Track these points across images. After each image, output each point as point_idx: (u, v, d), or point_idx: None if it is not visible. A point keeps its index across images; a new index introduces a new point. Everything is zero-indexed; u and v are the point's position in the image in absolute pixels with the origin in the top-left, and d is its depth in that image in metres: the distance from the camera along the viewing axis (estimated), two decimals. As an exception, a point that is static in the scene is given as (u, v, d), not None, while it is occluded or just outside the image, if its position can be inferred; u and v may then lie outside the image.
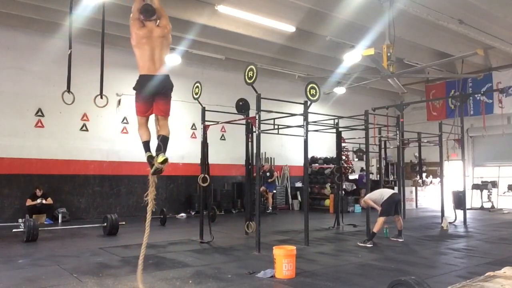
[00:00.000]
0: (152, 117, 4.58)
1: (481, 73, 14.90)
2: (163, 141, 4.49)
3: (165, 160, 4.39)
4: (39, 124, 11.31)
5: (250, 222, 8.62)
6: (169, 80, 4.51)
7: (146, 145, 4.64)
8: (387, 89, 16.44)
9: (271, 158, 15.45)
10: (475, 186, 16.28)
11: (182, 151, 13.66)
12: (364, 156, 11.74)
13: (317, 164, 16.25)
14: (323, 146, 16.02)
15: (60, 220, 10.92)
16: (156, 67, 4.42)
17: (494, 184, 16.13)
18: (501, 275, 4.08)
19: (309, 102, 7.92)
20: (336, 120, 10.56)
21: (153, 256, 6.68)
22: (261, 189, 13.36)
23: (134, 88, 4.41)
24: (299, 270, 5.53)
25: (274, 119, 8.76)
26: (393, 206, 8.24)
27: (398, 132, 11.79)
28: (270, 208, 13.99)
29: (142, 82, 4.37)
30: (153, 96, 4.40)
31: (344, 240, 8.71)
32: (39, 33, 11.08)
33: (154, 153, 4.48)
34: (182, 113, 13.60)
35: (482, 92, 14.15)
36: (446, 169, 12.73)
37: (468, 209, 12.59)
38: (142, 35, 4.39)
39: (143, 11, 4.50)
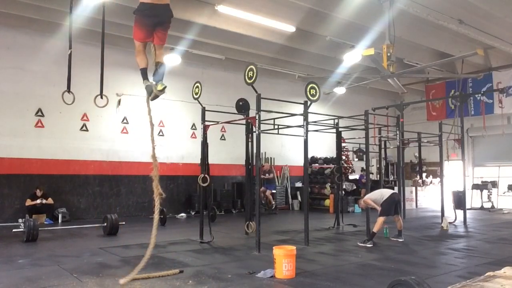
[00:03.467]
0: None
1: (481, 73, 14.88)
2: (162, 68, 4.82)
3: (165, 88, 4.77)
4: (39, 124, 11.31)
5: (250, 222, 8.62)
6: (169, 9, 4.66)
7: (144, 72, 4.85)
8: (387, 89, 16.45)
9: (271, 158, 15.44)
10: (475, 186, 16.28)
11: (182, 151, 13.67)
12: (364, 156, 11.75)
13: (317, 164, 16.25)
14: (323, 146, 16.02)
15: (60, 220, 10.92)
16: None
17: (494, 184, 16.13)
18: (501, 275, 4.08)
19: (309, 102, 7.92)
20: (336, 120, 10.55)
21: (153, 256, 6.66)
22: (261, 189, 13.39)
23: (134, 13, 4.56)
24: (299, 270, 5.53)
25: (274, 119, 8.76)
26: (393, 206, 8.25)
27: (398, 132, 11.79)
28: (273, 203, 13.90)
29: (143, 10, 4.52)
30: (154, 24, 4.58)
31: (344, 240, 8.71)
32: (39, 33, 11.08)
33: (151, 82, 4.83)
34: (182, 113, 13.63)
35: (482, 92, 14.15)
36: (446, 169, 12.73)
37: (468, 209, 12.59)
38: None
39: None
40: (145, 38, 4.67)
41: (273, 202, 13.97)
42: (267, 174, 13.97)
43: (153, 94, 4.79)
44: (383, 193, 8.43)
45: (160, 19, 4.60)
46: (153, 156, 4.92)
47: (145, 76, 4.84)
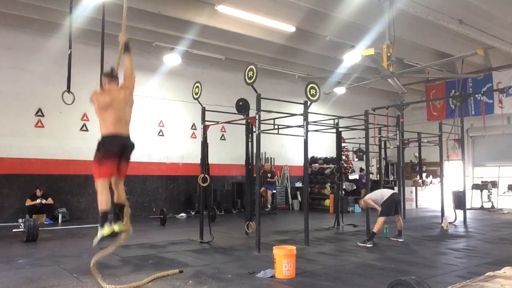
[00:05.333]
0: None
1: (481, 73, 14.89)
2: (121, 209, 4.56)
3: (121, 229, 4.49)
4: (39, 124, 11.31)
5: (250, 222, 8.61)
6: (132, 141, 4.66)
7: (104, 217, 4.48)
8: (387, 89, 16.44)
9: (271, 158, 15.44)
10: (475, 186, 16.28)
11: (182, 151, 13.67)
12: (364, 156, 11.74)
13: (317, 164, 16.25)
14: (323, 146, 16.02)
15: (60, 220, 10.92)
16: (122, 128, 4.54)
17: (494, 184, 16.14)
18: (501, 275, 4.08)
19: (309, 102, 7.91)
20: (336, 120, 10.56)
21: (153, 256, 6.68)
22: (261, 189, 13.44)
23: (98, 149, 4.47)
24: (299, 270, 5.53)
25: (274, 119, 8.76)
26: (393, 206, 8.25)
27: (398, 132, 11.79)
28: (269, 206, 13.93)
29: (109, 143, 4.47)
30: (120, 155, 4.52)
31: (344, 240, 8.71)
32: (39, 33, 11.08)
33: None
34: (182, 113, 13.63)
35: (482, 92, 14.15)
36: (446, 169, 12.73)
37: (468, 209, 12.59)
38: (107, 99, 4.53)
39: (106, 74, 4.74)
40: (112, 172, 4.50)
41: (269, 206, 13.93)
42: (269, 175, 13.98)
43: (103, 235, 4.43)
44: (383, 193, 8.44)
45: (126, 149, 4.57)
46: None
47: (104, 221, 4.41)
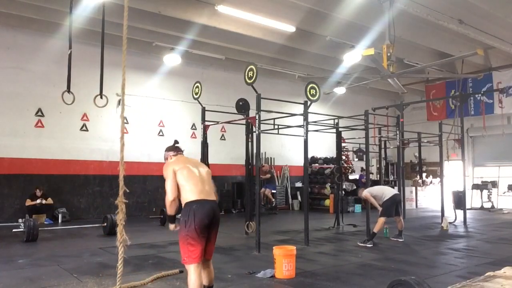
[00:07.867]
0: None
1: (481, 73, 14.89)
2: None
3: None
4: (39, 124, 11.31)
5: (250, 222, 8.61)
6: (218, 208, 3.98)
7: None
8: (387, 89, 16.44)
9: (271, 158, 15.44)
10: (475, 186, 16.29)
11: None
12: (364, 156, 11.74)
13: (317, 164, 16.24)
14: (323, 146, 16.02)
15: (60, 220, 10.92)
16: (211, 194, 3.90)
17: (494, 184, 16.14)
18: (501, 275, 4.08)
19: (309, 102, 7.92)
20: (336, 120, 10.56)
21: (153, 256, 6.68)
22: (262, 190, 13.47)
23: (185, 225, 3.70)
24: (299, 270, 5.53)
25: (274, 119, 8.76)
26: (394, 207, 8.25)
27: (398, 132, 11.77)
28: (271, 203, 13.94)
29: (198, 207, 3.68)
30: (210, 226, 3.78)
31: (344, 240, 8.71)
32: (39, 33, 11.08)
33: None
34: (182, 113, 13.62)
35: (482, 92, 14.15)
36: (446, 169, 12.72)
37: (468, 209, 12.58)
38: (183, 162, 4.04)
39: (175, 147, 4.42)
40: (202, 253, 3.71)
41: (273, 200, 14.01)
42: (268, 175, 13.97)
43: None
44: (385, 192, 8.41)
45: (216, 217, 3.83)
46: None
47: None
